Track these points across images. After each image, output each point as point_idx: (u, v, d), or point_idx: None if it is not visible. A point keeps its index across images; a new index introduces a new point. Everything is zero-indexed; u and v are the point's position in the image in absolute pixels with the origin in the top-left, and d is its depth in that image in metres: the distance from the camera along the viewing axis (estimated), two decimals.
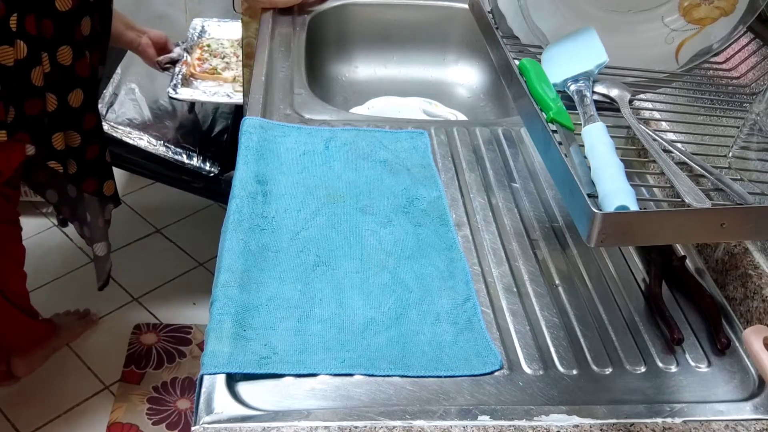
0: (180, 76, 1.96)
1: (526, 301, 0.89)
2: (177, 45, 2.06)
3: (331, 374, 0.77)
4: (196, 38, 2.16)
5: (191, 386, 1.91)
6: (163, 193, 2.38)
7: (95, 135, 1.59)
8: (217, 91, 1.97)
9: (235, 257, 0.89)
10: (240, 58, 2.09)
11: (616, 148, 0.74)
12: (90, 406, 1.84)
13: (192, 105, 2.12)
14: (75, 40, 1.43)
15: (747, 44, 1.00)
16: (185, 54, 2.06)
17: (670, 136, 0.85)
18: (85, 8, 1.43)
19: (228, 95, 1.96)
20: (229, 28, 2.23)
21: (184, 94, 1.92)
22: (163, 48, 1.99)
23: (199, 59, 2.06)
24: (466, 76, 1.59)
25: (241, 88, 1.97)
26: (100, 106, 1.98)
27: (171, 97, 1.93)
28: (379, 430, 0.72)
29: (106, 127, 1.94)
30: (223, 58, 2.08)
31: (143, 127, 2.03)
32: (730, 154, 0.82)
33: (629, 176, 0.70)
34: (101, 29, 1.52)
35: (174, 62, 2.01)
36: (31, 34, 1.34)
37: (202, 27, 2.22)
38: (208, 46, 2.13)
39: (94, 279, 1.87)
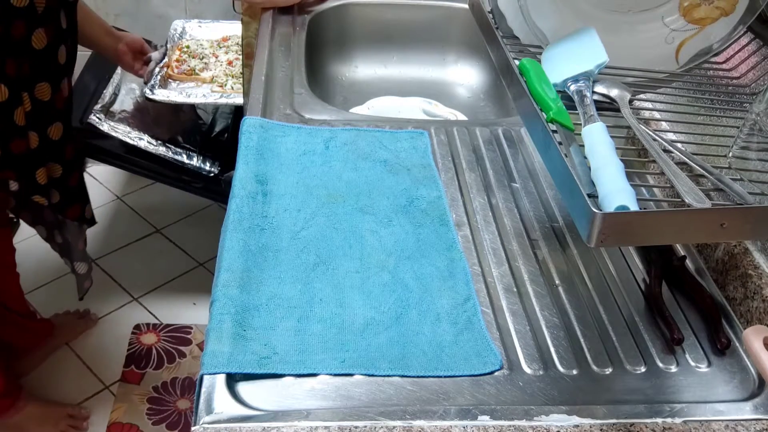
0: (158, 77, 1.96)
1: (526, 301, 0.89)
2: (156, 48, 2.04)
3: (331, 374, 0.77)
4: (176, 39, 2.16)
5: (191, 386, 1.91)
6: (163, 193, 2.38)
7: (76, 163, 1.60)
8: (194, 92, 1.97)
9: (235, 257, 0.89)
10: (218, 58, 2.10)
11: (616, 148, 0.74)
12: (90, 406, 1.84)
13: (192, 107, 2.11)
14: (52, 72, 1.43)
15: (747, 44, 1.00)
16: (165, 57, 2.05)
17: (670, 136, 0.85)
18: (60, 37, 1.43)
19: (204, 95, 1.95)
20: (209, 29, 2.23)
21: (161, 95, 1.92)
22: (140, 51, 1.97)
23: (177, 60, 2.06)
24: (466, 76, 1.59)
25: (219, 89, 1.98)
26: (99, 106, 1.98)
27: (148, 98, 1.92)
28: (379, 430, 0.72)
29: (106, 127, 1.94)
30: (201, 59, 2.08)
31: (143, 127, 2.03)
32: (730, 154, 0.82)
33: (629, 176, 0.70)
34: (72, 52, 1.52)
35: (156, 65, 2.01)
36: (11, 76, 1.35)
37: (183, 28, 2.21)
38: (187, 47, 2.12)
39: (94, 279, 1.87)
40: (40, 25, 1.36)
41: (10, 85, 1.35)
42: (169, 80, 1.99)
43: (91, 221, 1.75)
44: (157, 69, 1.98)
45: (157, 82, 1.94)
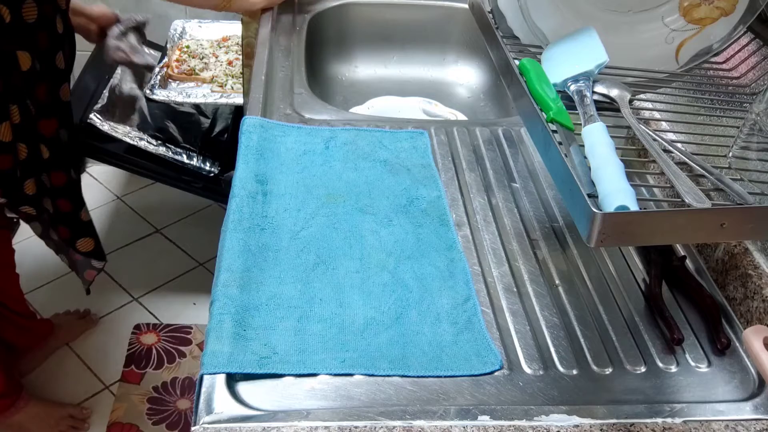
0: (158, 78, 1.96)
1: (526, 301, 0.89)
2: (145, 49, 2.01)
3: (331, 374, 0.77)
4: (176, 40, 2.15)
5: (191, 386, 1.91)
6: (163, 193, 2.38)
7: (67, 192, 1.58)
8: (194, 92, 1.96)
9: (235, 257, 0.89)
10: (218, 58, 2.09)
11: (616, 148, 0.74)
12: (90, 406, 1.84)
13: (197, 107, 2.11)
14: (52, 76, 1.42)
15: (747, 44, 1.00)
16: (164, 57, 2.05)
17: (670, 136, 0.85)
18: (58, 43, 1.42)
19: (204, 95, 1.95)
20: (209, 29, 2.23)
21: (161, 95, 1.92)
22: (109, 23, 1.88)
23: (177, 60, 2.05)
24: (466, 76, 1.59)
25: (219, 89, 1.98)
26: (99, 106, 1.98)
27: (148, 98, 1.92)
28: (379, 430, 0.72)
29: (106, 127, 1.94)
30: (201, 59, 2.08)
31: (143, 126, 2.03)
32: (730, 154, 0.82)
33: (629, 176, 0.70)
34: (71, 56, 1.51)
35: (150, 68, 1.99)
36: None
37: (183, 28, 2.21)
38: (187, 47, 2.12)
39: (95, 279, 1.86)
40: (38, 32, 1.35)
41: None
42: (169, 80, 1.99)
43: (97, 255, 1.74)
44: (157, 69, 1.98)
45: (157, 82, 1.94)
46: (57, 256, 1.78)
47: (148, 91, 1.90)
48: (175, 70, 2.01)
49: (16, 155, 1.42)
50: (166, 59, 2.03)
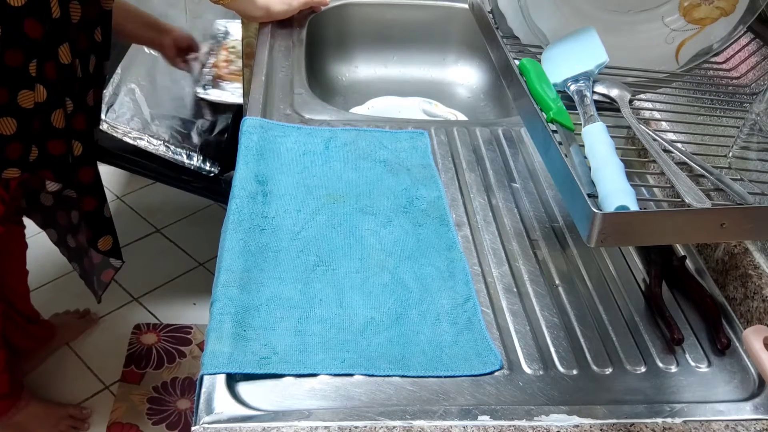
0: (210, 77, 1.97)
1: (526, 301, 0.89)
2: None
3: (331, 374, 0.77)
4: (221, 40, 2.16)
5: (191, 386, 1.91)
6: (163, 193, 2.38)
7: (93, 189, 1.57)
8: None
9: (235, 257, 0.89)
10: None
11: (616, 148, 0.74)
12: (90, 406, 1.84)
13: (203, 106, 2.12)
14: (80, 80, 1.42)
15: (747, 44, 1.00)
16: (211, 55, 2.05)
17: (670, 136, 0.85)
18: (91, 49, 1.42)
19: None
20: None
21: (213, 94, 1.93)
22: (187, 49, 1.96)
23: (225, 61, 2.06)
24: (466, 76, 1.59)
25: None
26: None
27: (200, 98, 1.92)
28: (379, 430, 0.72)
29: (105, 126, 1.94)
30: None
31: (143, 127, 2.03)
32: (730, 154, 0.82)
33: (629, 176, 0.70)
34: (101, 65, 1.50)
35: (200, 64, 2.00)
36: (51, 78, 1.33)
37: (226, 28, 2.22)
38: (234, 47, 2.13)
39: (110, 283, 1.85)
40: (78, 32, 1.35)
41: (50, 87, 1.34)
42: (218, 80, 2.00)
43: (113, 253, 1.68)
44: (206, 69, 1.99)
45: (209, 82, 1.95)
46: (61, 257, 1.78)
47: (201, 90, 1.92)
48: (224, 71, 2.02)
49: (70, 144, 1.41)
50: (214, 59, 2.04)
